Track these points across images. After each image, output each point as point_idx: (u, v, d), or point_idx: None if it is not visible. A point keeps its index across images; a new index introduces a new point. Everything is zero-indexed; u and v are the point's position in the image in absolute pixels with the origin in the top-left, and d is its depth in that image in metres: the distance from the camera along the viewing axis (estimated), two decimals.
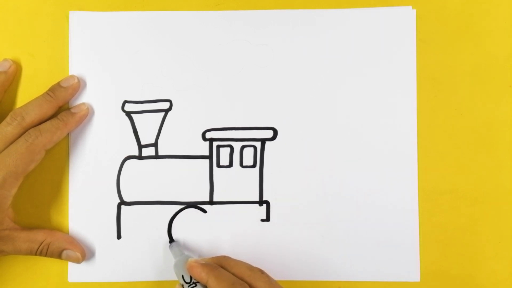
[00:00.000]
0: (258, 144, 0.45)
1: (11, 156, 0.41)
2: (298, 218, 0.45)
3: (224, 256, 0.42)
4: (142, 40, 0.45)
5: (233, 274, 0.40)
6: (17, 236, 0.42)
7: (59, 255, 0.43)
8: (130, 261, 0.45)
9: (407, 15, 0.45)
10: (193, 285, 0.40)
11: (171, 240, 0.45)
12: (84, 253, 0.44)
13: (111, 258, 0.45)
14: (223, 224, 0.45)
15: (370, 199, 0.45)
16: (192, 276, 0.40)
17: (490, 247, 0.45)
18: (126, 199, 0.45)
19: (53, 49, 0.45)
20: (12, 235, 0.42)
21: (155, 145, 0.45)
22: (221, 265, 0.41)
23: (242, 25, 0.45)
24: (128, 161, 0.45)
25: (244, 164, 0.45)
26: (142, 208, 0.45)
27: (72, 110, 0.44)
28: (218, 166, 0.45)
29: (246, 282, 0.39)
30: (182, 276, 0.41)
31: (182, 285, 0.41)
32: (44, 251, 0.43)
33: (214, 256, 0.43)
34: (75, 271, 0.45)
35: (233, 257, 0.43)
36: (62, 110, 0.44)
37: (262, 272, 0.40)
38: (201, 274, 0.40)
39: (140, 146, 0.45)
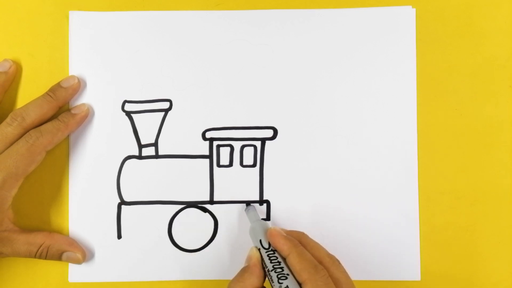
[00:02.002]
0: (258, 144, 0.45)
1: (12, 157, 0.41)
2: (298, 217, 0.45)
3: (304, 233, 0.42)
4: (142, 40, 0.45)
5: (312, 255, 0.39)
6: (16, 238, 0.42)
7: (59, 257, 0.43)
8: (130, 261, 0.45)
9: (407, 14, 0.45)
10: (272, 252, 0.40)
11: (248, 203, 0.45)
12: (85, 254, 0.44)
13: (111, 258, 0.45)
14: (223, 223, 0.45)
15: (370, 199, 0.45)
16: (271, 244, 0.40)
17: (490, 247, 0.45)
18: (126, 199, 0.45)
19: (53, 49, 0.45)
20: (11, 237, 0.42)
21: (155, 144, 0.45)
22: (300, 241, 0.41)
23: (242, 25, 0.45)
24: (128, 161, 0.45)
25: (244, 163, 0.45)
26: (142, 208, 0.45)
27: (73, 111, 0.44)
28: (218, 165, 0.45)
29: (324, 267, 0.39)
30: (260, 240, 0.41)
31: (259, 249, 0.40)
32: (43, 254, 0.43)
33: (294, 230, 0.42)
34: (76, 271, 0.45)
35: (233, 256, 0.43)
36: (62, 110, 0.44)
37: (339, 262, 0.40)
38: (284, 246, 0.39)
39: (140, 146, 0.45)
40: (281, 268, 0.38)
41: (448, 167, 0.45)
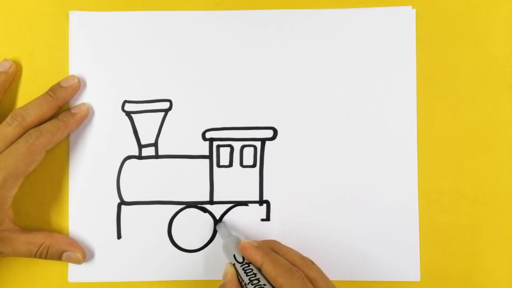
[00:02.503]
0: (258, 144, 0.45)
1: (12, 157, 0.41)
2: (298, 218, 0.45)
3: (275, 241, 0.43)
4: (142, 40, 0.45)
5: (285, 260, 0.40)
6: (16, 238, 0.42)
7: (59, 257, 0.43)
8: (130, 261, 0.45)
9: (407, 15, 0.45)
10: (246, 265, 0.40)
11: (218, 220, 0.45)
12: (85, 254, 0.44)
13: (111, 258, 0.45)
14: (223, 223, 0.45)
15: (370, 199, 0.45)
16: (244, 257, 0.40)
17: (490, 247, 0.45)
18: (126, 199, 0.45)
19: (53, 49, 0.45)
20: (11, 236, 0.42)
21: (155, 145, 0.45)
22: (272, 249, 0.41)
23: (242, 25, 0.45)
24: (128, 161, 0.45)
25: (244, 163, 0.45)
26: (142, 208, 0.45)
27: (72, 111, 0.44)
28: (218, 165, 0.45)
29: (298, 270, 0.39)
30: (234, 255, 0.41)
31: (234, 264, 0.41)
32: (43, 254, 0.43)
33: (265, 239, 0.43)
34: (75, 271, 0.45)
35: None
36: (62, 110, 0.44)
37: (313, 262, 0.41)
38: (256, 257, 0.40)
39: (140, 146, 0.45)
40: (258, 279, 0.39)
41: (448, 167, 0.45)
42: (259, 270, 0.40)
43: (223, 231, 0.44)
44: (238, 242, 0.42)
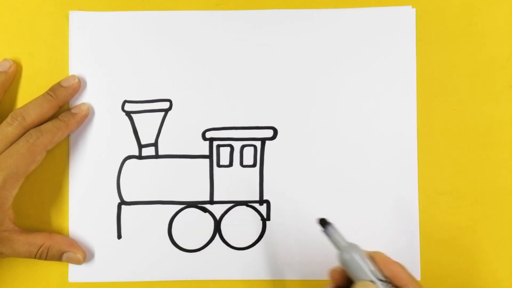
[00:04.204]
0: (258, 144, 0.45)
1: (12, 157, 0.41)
2: (298, 217, 0.45)
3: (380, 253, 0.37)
4: (142, 40, 0.45)
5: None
6: (17, 238, 0.42)
7: (59, 258, 0.43)
8: (130, 261, 0.45)
9: (407, 14, 0.45)
10: (389, 284, 0.34)
11: (324, 222, 0.36)
12: (85, 254, 0.44)
13: (111, 258, 0.45)
14: (223, 223, 0.45)
15: (370, 198, 0.45)
16: (388, 274, 0.34)
17: (490, 247, 0.45)
18: (126, 199, 0.45)
19: (53, 49, 0.45)
20: (11, 237, 0.42)
21: (155, 144, 0.45)
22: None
23: (242, 25, 0.45)
24: (128, 161, 0.45)
25: (244, 163, 0.45)
26: (142, 208, 0.45)
27: (73, 111, 0.44)
28: (218, 165, 0.45)
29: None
30: (370, 270, 0.34)
31: (374, 282, 0.34)
32: (44, 255, 0.43)
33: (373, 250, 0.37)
34: (76, 272, 0.45)
35: (234, 257, 0.43)
36: (62, 110, 0.44)
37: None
38: (402, 275, 0.34)
39: (140, 146, 0.45)
40: None
41: (448, 167, 0.45)
42: None
43: (335, 237, 0.36)
44: (366, 253, 0.36)
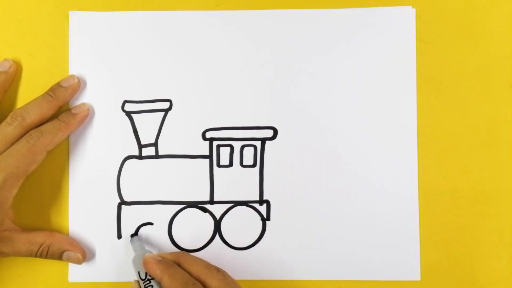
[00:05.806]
0: (258, 144, 0.45)
1: (12, 157, 0.41)
2: (298, 217, 0.45)
3: (183, 253, 0.43)
4: (142, 40, 0.45)
5: (190, 272, 0.40)
6: (17, 237, 0.42)
7: (59, 257, 0.43)
8: (130, 261, 0.45)
9: (407, 14, 0.45)
10: (148, 282, 0.40)
11: (134, 234, 0.44)
12: (85, 254, 0.44)
13: (111, 258, 0.45)
14: (223, 223, 0.45)
15: (370, 198, 0.45)
16: (147, 272, 0.40)
17: (490, 247, 0.45)
18: (126, 199, 0.45)
19: (53, 49, 0.45)
20: (11, 236, 0.42)
21: (155, 144, 0.45)
22: (178, 261, 0.41)
23: (242, 25, 0.45)
24: (128, 161, 0.45)
25: (244, 163, 0.45)
26: (142, 208, 0.45)
27: (73, 111, 0.44)
28: (218, 165, 0.45)
29: (201, 280, 0.39)
30: (138, 272, 0.41)
31: (138, 282, 0.40)
32: (44, 253, 0.43)
33: (173, 252, 0.43)
34: (76, 271, 0.45)
35: (234, 257, 0.43)
36: (62, 110, 0.44)
37: (218, 270, 0.40)
38: (156, 271, 0.39)
39: (140, 146, 0.45)
40: None
41: (448, 167, 0.45)
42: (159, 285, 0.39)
43: (135, 245, 0.43)
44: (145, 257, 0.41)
